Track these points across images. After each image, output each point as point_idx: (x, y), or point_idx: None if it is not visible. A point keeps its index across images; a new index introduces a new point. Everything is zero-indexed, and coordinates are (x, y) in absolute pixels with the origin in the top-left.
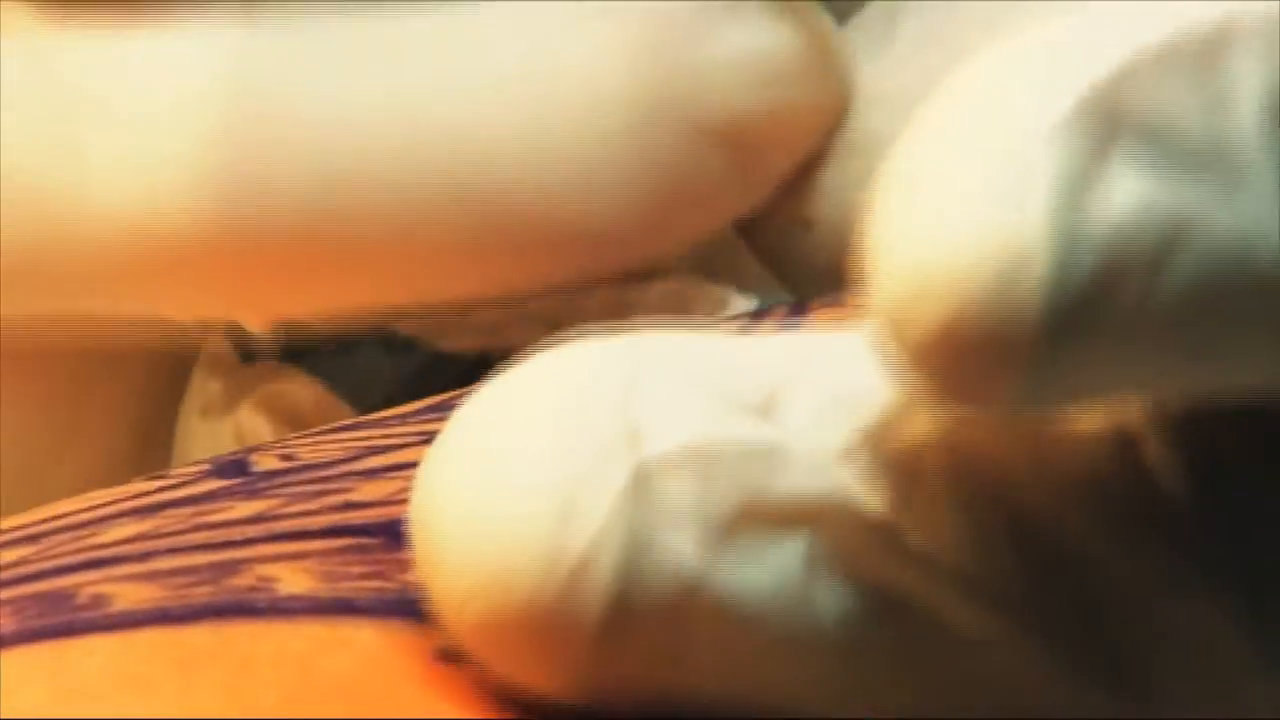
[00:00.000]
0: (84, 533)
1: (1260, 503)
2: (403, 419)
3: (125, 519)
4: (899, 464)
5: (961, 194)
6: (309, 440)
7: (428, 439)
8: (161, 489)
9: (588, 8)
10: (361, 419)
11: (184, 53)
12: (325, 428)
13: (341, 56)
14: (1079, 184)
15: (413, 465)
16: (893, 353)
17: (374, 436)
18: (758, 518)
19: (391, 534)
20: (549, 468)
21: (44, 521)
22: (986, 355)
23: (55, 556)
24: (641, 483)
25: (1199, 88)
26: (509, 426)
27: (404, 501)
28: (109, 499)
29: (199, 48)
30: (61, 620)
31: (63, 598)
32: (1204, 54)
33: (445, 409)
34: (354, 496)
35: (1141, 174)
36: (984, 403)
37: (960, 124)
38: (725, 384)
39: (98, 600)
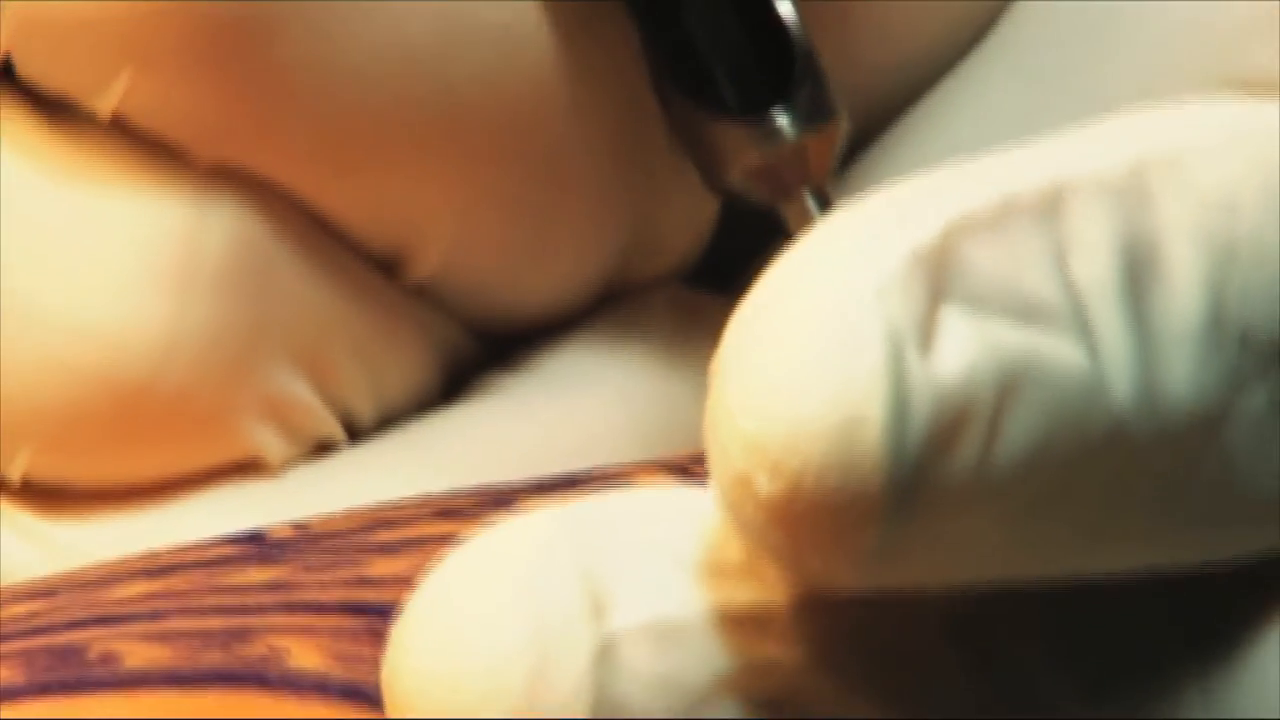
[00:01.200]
0: (96, 589)
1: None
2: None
3: (137, 578)
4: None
5: (793, 361)
6: (320, 514)
7: (438, 514)
8: (174, 551)
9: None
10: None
11: None
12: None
13: None
14: (909, 343)
15: (424, 541)
16: (738, 524)
17: (385, 510)
18: (727, 687)
19: None
20: (516, 635)
21: (57, 578)
22: (828, 525)
23: (67, 611)
24: (609, 654)
25: (1035, 241)
26: (476, 592)
27: (418, 582)
28: (121, 559)
29: None
30: (72, 675)
31: (74, 653)
32: (1039, 209)
33: (451, 493)
34: (367, 571)
35: (976, 329)
36: (833, 573)
37: (792, 289)
38: (681, 548)
39: (108, 657)
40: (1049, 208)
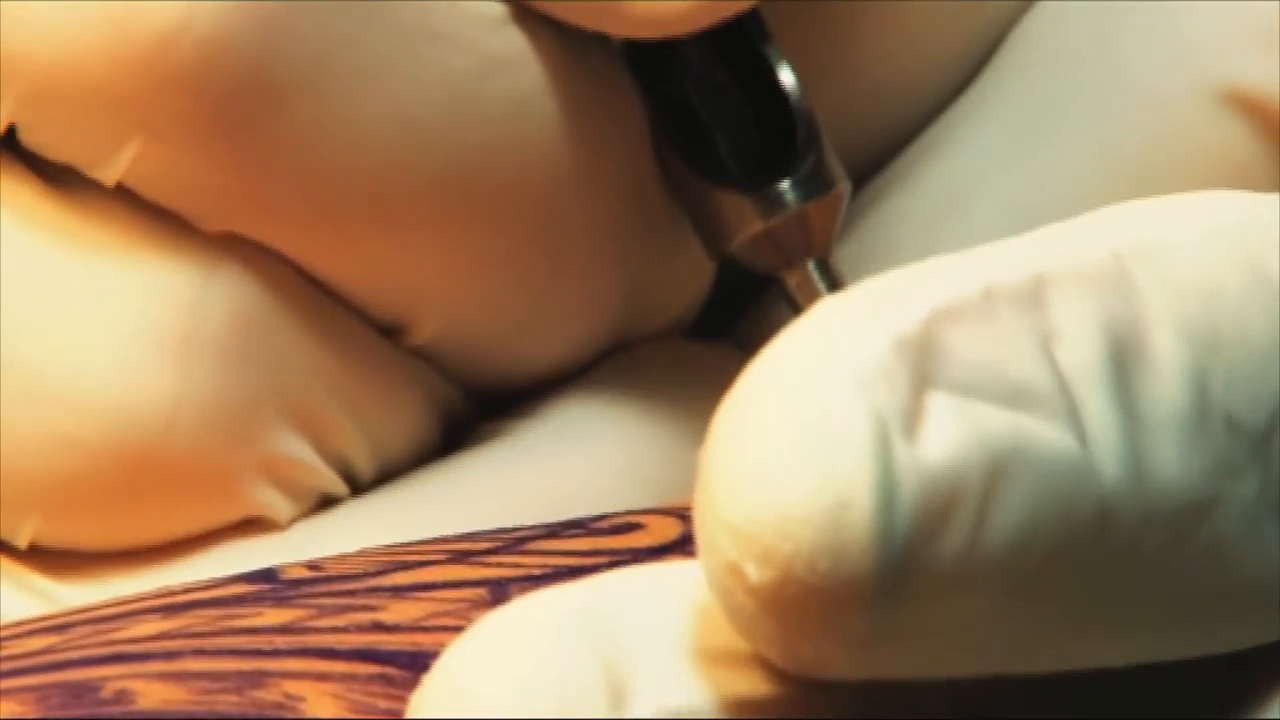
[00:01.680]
0: (110, 626)
1: None
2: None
3: (152, 615)
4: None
5: (780, 451)
6: (335, 555)
7: (452, 557)
8: (189, 589)
9: None
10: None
11: None
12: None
13: None
14: (895, 429)
15: (438, 585)
16: (729, 612)
17: (399, 552)
18: None
19: (419, 668)
20: None
21: (72, 613)
22: (819, 611)
23: (82, 647)
24: None
25: (1020, 328)
26: (491, 686)
27: (432, 629)
28: (135, 596)
29: None
30: (85, 713)
31: (87, 689)
32: (1022, 299)
33: (465, 535)
34: (382, 616)
35: (962, 414)
36: (825, 659)
37: (776, 380)
38: (684, 634)
39: (122, 696)
40: (1032, 297)
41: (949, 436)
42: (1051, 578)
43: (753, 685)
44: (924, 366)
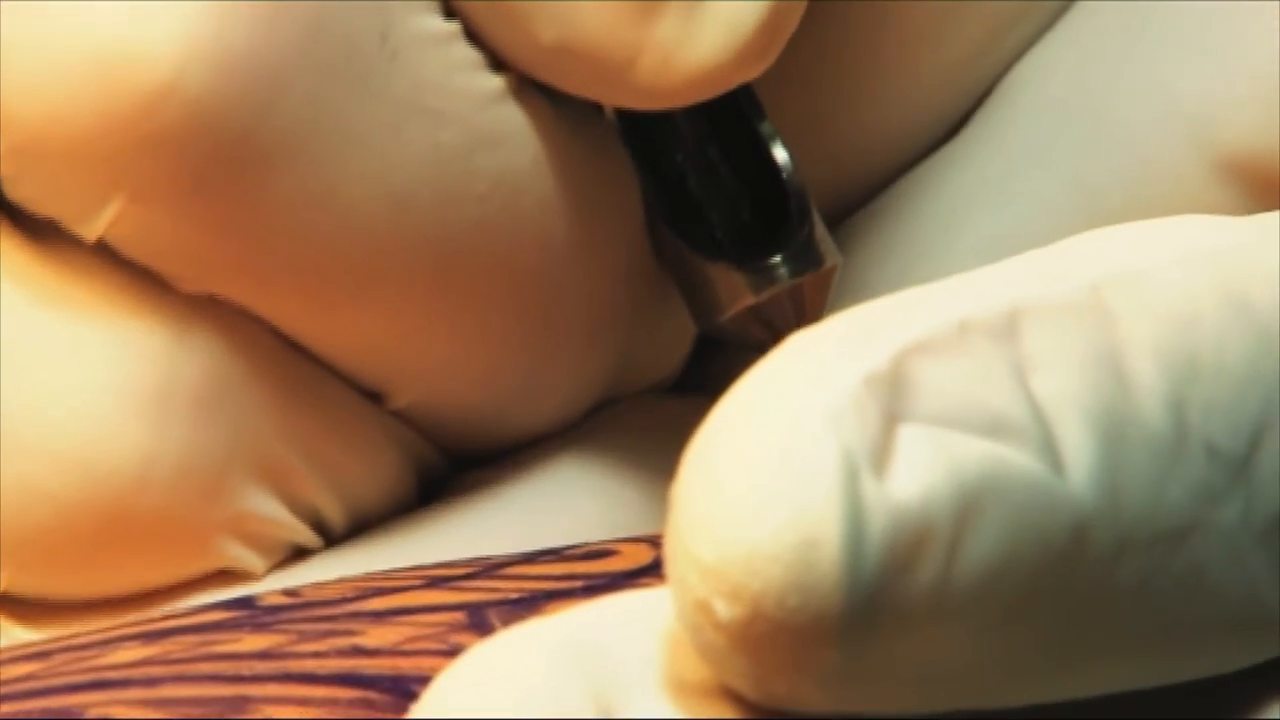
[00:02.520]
0: (90, 653)
1: None
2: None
3: (131, 642)
4: None
5: (748, 488)
6: (308, 571)
7: (428, 583)
8: (167, 616)
9: None
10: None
11: None
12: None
13: None
14: (864, 465)
15: (417, 609)
16: (700, 648)
17: (375, 579)
18: None
19: (399, 692)
20: None
21: (51, 641)
22: (789, 647)
23: (63, 674)
24: None
25: (994, 359)
26: (485, 706)
27: (412, 653)
28: (115, 624)
29: None
30: None
31: (70, 716)
32: (996, 330)
33: (442, 563)
34: (361, 641)
35: (935, 447)
36: (797, 695)
37: (744, 418)
38: (665, 666)
39: None
40: (1006, 329)
41: (919, 471)
42: (1026, 609)
43: (738, 716)
44: (895, 401)
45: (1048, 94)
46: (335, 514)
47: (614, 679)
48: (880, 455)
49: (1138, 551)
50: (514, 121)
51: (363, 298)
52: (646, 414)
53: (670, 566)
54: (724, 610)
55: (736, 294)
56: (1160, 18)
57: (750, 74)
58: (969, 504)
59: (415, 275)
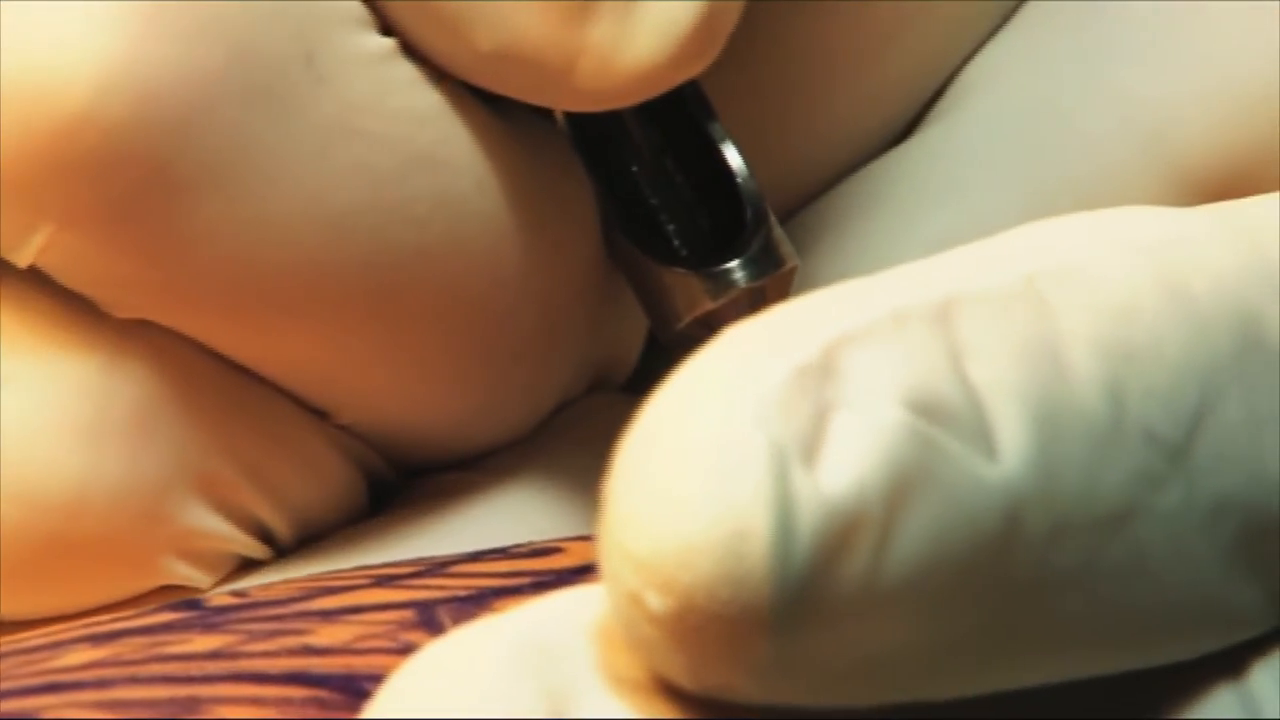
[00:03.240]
0: (40, 656)
1: None
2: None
3: (81, 645)
4: None
5: (678, 482)
6: (259, 582)
7: (375, 581)
8: (115, 619)
9: None
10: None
11: None
12: (279, 579)
13: None
14: (793, 456)
15: (366, 608)
16: (634, 642)
17: (322, 579)
18: None
19: (351, 691)
20: None
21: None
22: (721, 639)
23: (14, 678)
24: None
25: (929, 346)
26: (439, 706)
27: (363, 651)
28: (62, 626)
29: None
30: None
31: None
32: (931, 319)
33: (388, 563)
34: (312, 640)
35: (866, 436)
36: (732, 686)
37: (675, 414)
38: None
39: None
40: (940, 318)
41: (850, 461)
42: (960, 597)
43: (680, 710)
44: (826, 391)
45: (1002, 95)
46: (281, 525)
47: (565, 677)
48: (811, 446)
49: (1075, 537)
50: (455, 141)
51: (298, 322)
52: (599, 417)
53: (603, 561)
54: (656, 603)
55: (695, 300)
56: (1113, 19)
57: (690, 72)
58: (899, 492)
59: (352, 300)
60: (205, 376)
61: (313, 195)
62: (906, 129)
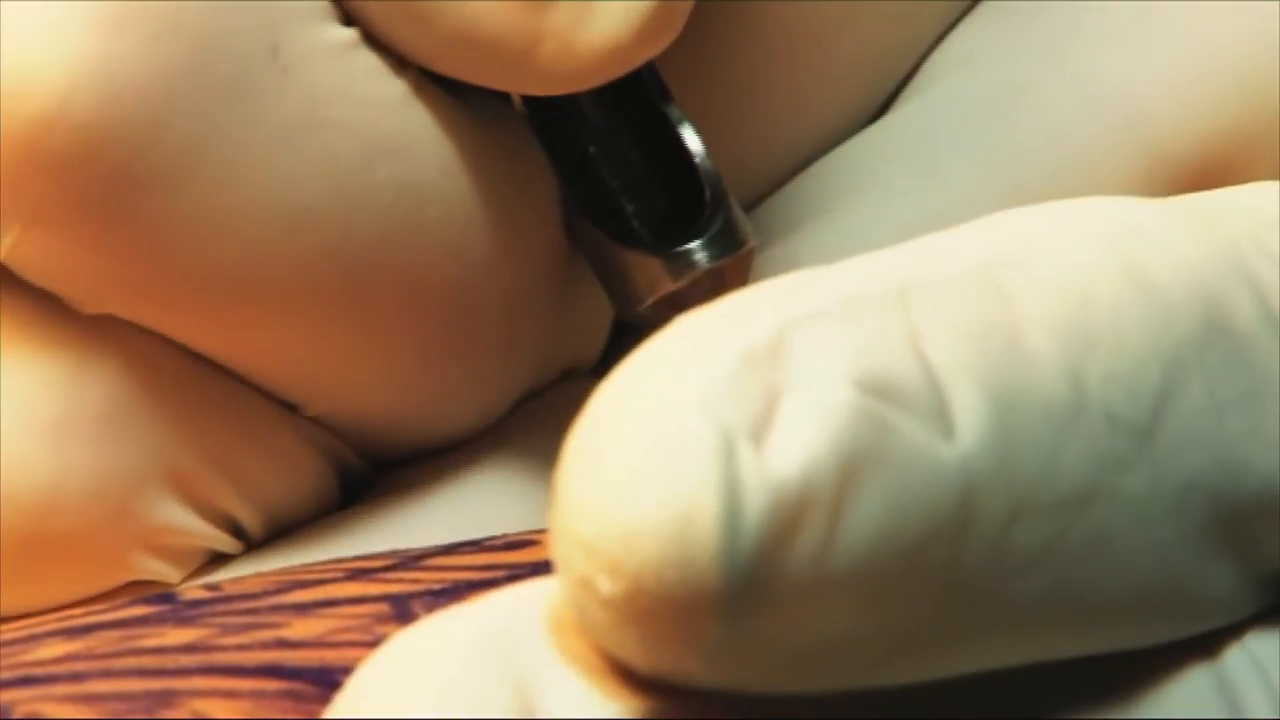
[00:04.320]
0: (13, 650)
1: None
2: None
3: (55, 638)
4: None
5: (626, 467)
6: (231, 576)
7: (349, 575)
8: (88, 613)
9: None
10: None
11: None
12: (251, 573)
13: None
14: (741, 439)
15: (339, 601)
16: (587, 626)
17: (295, 572)
18: None
19: (325, 683)
20: None
21: None
22: (671, 621)
23: None
24: None
25: (886, 327)
26: (407, 695)
27: (337, 645)
28: (36, 620)
29: None
30: None
31: None
32: (887, 302)
33: (361, 555)
34: (286, 633)
35: (815, 417)
36: (684, 668)
37: (624, 399)
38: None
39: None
40: (897, 302)
41: (800, 441)
42: (916, 578)
43: (657, 698)
44: (776, 373)
45: (973, 78)
46: (252, 520)
47: (531, 665)
48: (760, 428)
49: (1035, 518)
50: (417, 129)
51: (266, 314)
52: (567, 407)
53: (554, 547)
54: (606, 586)
55: (656, 281)
56: (1084, 3)
57: (650, 52)
58: (849, 472)
59: (320, 291)
60: (175, 372)
61: (278, 187)
62: (877, 112)
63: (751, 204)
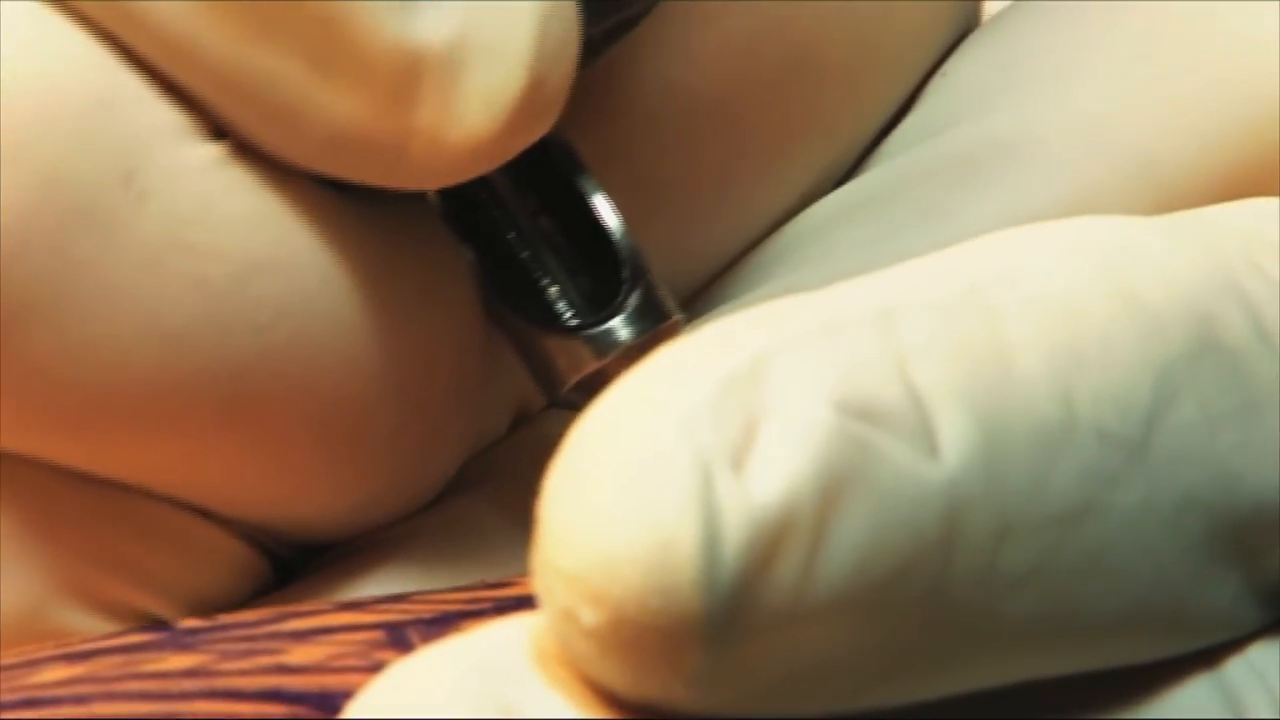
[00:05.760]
0: (17, 673)
1: None
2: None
3: (57, 663)
4: None
5: (606, 496)
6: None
7: (339, 607)
8: (86, 640)
9: None
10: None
11: None
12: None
13: None
14: (720, 466)
15: (336, 629)
16: (571, 656)
17: (288, 604)
18: None
19: (327, 708)
20: None
21: None
22: (654, 650)
23: None
24: None
25: (869, 349)
26: None
27: (338, 670)
28: (35, 646)
29: None
30: None
31: None
32: (870, 324)
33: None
34: (285, 659)
35: (796, 441)
36: (670, 696)
37: (603, 430)
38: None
39: None
40: (881, 324)
41: (780, 467)
42: (903, 599)
43: None
44: (754, 399)
45: (979, 122)
46: (172, 614)
47: (518, 696)
48: (740, 454)
49: (1025, 536)
50: (296, 240)
51: (149, 438)
52: (506, 466)
53: (537, 579)
54: (589, 616)
55: (579, 362)
56: (1081, 42)
57: (525, 140)
58: (831, 496)
59: (200, 412)
60: (65, 495)
61: (145, 313)
62: (851, 168)
63: (713, 273)
